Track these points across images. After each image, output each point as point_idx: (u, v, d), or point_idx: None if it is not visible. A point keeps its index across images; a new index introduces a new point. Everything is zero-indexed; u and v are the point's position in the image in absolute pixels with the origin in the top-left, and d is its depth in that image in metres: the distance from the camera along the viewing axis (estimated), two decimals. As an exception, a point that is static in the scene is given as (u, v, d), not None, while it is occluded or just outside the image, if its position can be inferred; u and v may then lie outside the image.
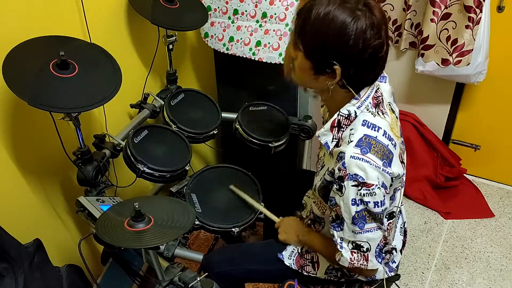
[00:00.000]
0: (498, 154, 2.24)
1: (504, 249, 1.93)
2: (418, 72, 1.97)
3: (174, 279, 1.09)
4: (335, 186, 0.95)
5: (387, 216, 1.06)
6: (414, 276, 1.83)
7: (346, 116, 0.95)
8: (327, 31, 0.85)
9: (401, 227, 1.24)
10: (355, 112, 0.95)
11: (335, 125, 0.97)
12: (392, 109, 1.03)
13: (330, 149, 0.99)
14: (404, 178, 1.11)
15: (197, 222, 1.34)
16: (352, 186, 0.90)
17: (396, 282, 1.23)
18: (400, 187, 1.08)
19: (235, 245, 1.38)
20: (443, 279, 1.81)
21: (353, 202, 0.91)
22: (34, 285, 1.05)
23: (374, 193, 0.90)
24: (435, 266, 1.87)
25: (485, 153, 2.26)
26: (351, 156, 0.90)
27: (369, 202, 0.90)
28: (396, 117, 1.03)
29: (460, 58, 1.83)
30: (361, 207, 0.91)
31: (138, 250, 1.27)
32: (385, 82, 1.06)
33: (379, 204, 0.91)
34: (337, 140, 0.98)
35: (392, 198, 1.05)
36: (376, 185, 0.89)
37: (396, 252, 1.19)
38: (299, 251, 1.21)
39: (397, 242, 1.21)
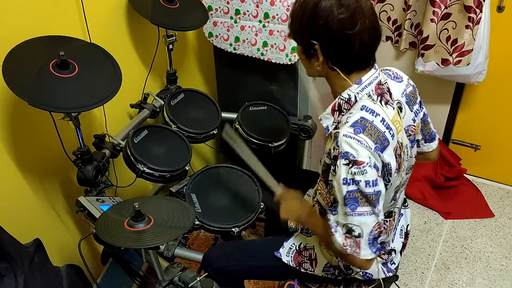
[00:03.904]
0: (498, 154, 2.24)
1: (504, 249, 1.93)
2: (418, 72, 1.97)
3: (174, 279, 1.09)
4: (331, 168, 0.95)
5: (385, 214, 1.06)
6: (414, 276, 1.83)
7: (346, 100, 0.97)
8: (303, 12, 0.93)
9: (402, 230, 1.24)
10: (355, 96, 0.97)
11: (336, 108, 0.99)
12: (400, 108, 1.03)
13: (329, 132, 1.01)
14: (407, 179, 1.11)
15: (197, 222, 1.34)
16: (344, 164, 0.90)
17: (395, 282, 1.23)
18: (402, 189, 1.08)
19: (235, 241, 1.38)
20: (443, 279, 1.81)
21: (344, 181, 0.91)
22: (34, 285, 1.05)
23: (365, 171, 0.89)
24: (435, 266, 1.87)
25: (485, 153, 2.26)
26: (343, 135, 0.91)
27: (360, 181, 0.90)
28: (402, 118, 1.03)
29: (460, 58, 1.83)
30: (352, 187, 0.91)
31: (138, 250, 1.27)
32: (399, 82, 1.07)
33: (371, 184, 0.90)
34: (336, 123, 1.00)
35: (394, 198, 1.06)
36: (368, 163, 0.89)
37: (396, 253, 1.19)
38: (297, 248, 1.21)
39: (396, 244, 1.21)
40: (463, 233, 2.03)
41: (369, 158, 0.90)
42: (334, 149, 0.93)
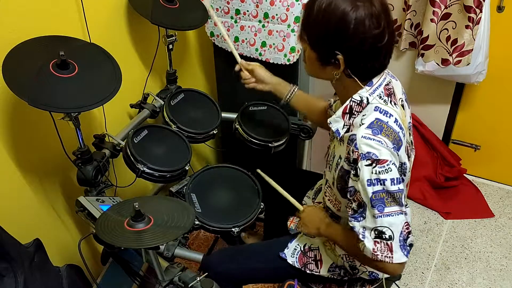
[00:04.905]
0: (498, 154, 2.24)
1: (504, 249, 1.93)
2: (418, 72, 1.97)
3: (174, 279, 1.09)
4: (352, 173, 0.94)
5: None
6: (414, 276, 1.83)
7: (358, 102, 0.96)
8: (328, 21, 0.89)
9: None
10: (367, 98, 0.96)
11: (347, 111, 0.98)
12: (403, 105, 1.04)
13: (341, 135, 0.99)
14: (409, 176, 1.11)
15: (197, 222, 1.34)
16: (366, 165, 0.89)
17: (396, 282, 1.23)
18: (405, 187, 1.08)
19: (235, 246, 1.38)
20: (443, 279, 1.81)
21: (368, 183, 0.90)
22: (34, 285, 1.05)
23: (389, 169, 0.89)
24: (435, 266, 1.87)
25: (485, 153, 2.26)
26: (362, 136, 0.91)
27: (386, 179, 0.89)
28: (406, 116, 1.03)
29: (460, 58, 1.83)
30: (377, 187, 0.89)
31: (138, 250, 1.27)
32: (396, 80, 1.07)
33: (395, 182, 0.89)
34: (348, 127, 0.98)
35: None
36: (391, 161, 0.89)
37: None
38: (302, 249, 1.21)
39: None
40: (463, 233, 2.03)
41: (391, 156, 0.90)
42: (352, 152, 0.92)
